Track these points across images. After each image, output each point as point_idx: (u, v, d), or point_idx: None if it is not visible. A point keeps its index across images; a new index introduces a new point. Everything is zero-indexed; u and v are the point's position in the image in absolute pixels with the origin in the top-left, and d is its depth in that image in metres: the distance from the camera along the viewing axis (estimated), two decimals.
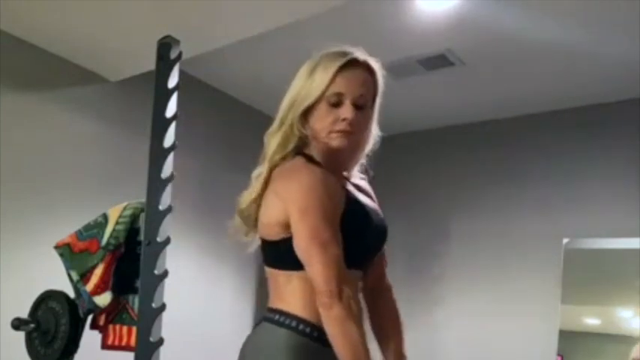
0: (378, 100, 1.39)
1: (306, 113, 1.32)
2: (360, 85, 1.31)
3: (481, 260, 3.51)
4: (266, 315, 1.34)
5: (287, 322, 1.27)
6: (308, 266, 1.22)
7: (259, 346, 1.31)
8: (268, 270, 1.37)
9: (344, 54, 1.32)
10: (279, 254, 1.30)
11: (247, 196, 1.38)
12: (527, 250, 3.35)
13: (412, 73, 3.10)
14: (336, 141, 1.31)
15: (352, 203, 1.31)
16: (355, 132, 1.32)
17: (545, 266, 3.25)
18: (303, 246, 1.23)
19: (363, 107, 1.32)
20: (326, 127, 1.31)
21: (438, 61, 2.97)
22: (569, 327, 3.17)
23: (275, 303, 1.33)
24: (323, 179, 1.26)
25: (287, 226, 1.26)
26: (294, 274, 1.28)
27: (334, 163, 1.36)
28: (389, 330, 1.47)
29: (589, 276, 3.29)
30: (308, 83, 1.31)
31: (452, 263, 3.62)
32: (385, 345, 1.46)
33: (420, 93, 3.38)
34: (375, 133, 1.42)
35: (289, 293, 1.30)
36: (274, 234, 1.31)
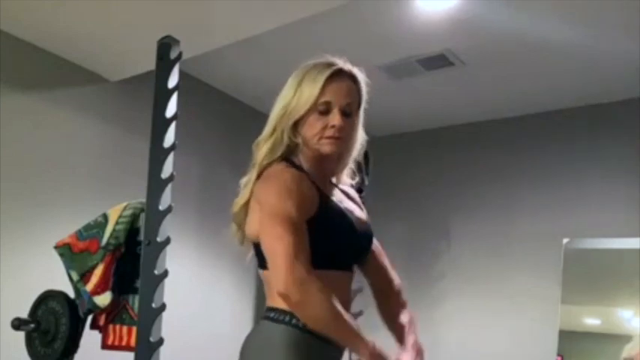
0: (363, 107, 1.46)
1: (297, 123, 1.40)
2: (346, 94, 1.39)
3: (481, 260, 3.51)
4: (263, 314, 1.40)
5: (281, 317, 1.33)
6: (270, 264, 1.30)
7: (257, 342, 1.37)
8: (261, 272, 1.42)
9: (330, 65, 1.39)
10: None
11: (238, 202, 1.44)
12: (527, 250, 3.35)
13: (412, 73, 3.10)
14: (326, 147, 1.39)
15: (326, 206, 1.37)
16: (344, 137, 1.40)
17: (545, 266, 3.25)
18: (266, 247, 1.31)
19: (349, 115, 1.40)
20: (317, 134, 1.38)
21: (438, 61, 2.97)
22: (569, 327, 3.17)
23: (270, 302, 1.38)
24: (295, 182, 1.33)
25: None
26: None
27: (322, 170, 1.44)
28: (402, 325, 1.52)
29: (589, 276, 3.28)
30: (297, 94, 1.38)
31: (452, 263, 3.62)
32: (401, 339, 1.50)
33: (420, 93, 3.38)
34: (361, 138, 1.49)
35: None
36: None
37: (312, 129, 1.38)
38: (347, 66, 1.41)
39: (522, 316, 3.29)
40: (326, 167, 1.45)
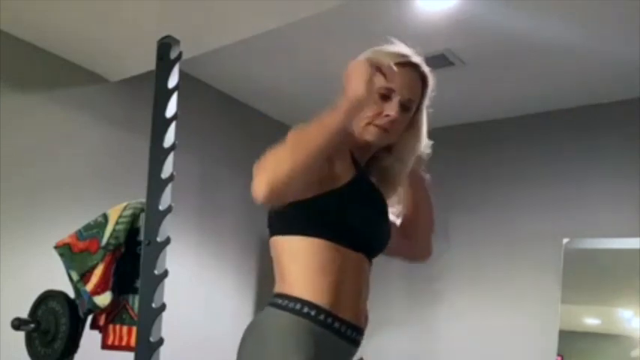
0: (425, 113, 1.41)
1: None
2: (411, 88, 1.32)
3: (481, 260, 3.51)
4: (270, 300, 1.28)
5: (291, 305, 1.20)
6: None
7: (260, 330, 1.25)
8: (273, 247, 1.30)
9: (404, 55, 1.32)
10: (285, 218, 1.26)
11: None
12: (527, 250, 3.34)
13: None
14: (371, 135, 1.31)
15: (359, 181, 1.28)
16: (393, 132, 1.32)
17: (545, 266, 3.25)
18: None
19: (407, 110, 1.33)
20: (366, 118, 1.29)
21: (438, 61, 2.96)
22: (569, 327, 3.17)
23: (279, 288, 1.27)
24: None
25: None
26: (298, 242, 1.24)
27: (359, 154, 1.35)
28: None
29: (589, 276, 3.28)
30: None
31: (451, 263, 3.62)
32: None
33: None
34: (417, 148, 1.45)
35: (293, 275, 1.24)
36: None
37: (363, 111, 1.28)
38: (421, 63, 1.34)
39: (522, 316, 3.29)
40: (365, 153, 1.36)
